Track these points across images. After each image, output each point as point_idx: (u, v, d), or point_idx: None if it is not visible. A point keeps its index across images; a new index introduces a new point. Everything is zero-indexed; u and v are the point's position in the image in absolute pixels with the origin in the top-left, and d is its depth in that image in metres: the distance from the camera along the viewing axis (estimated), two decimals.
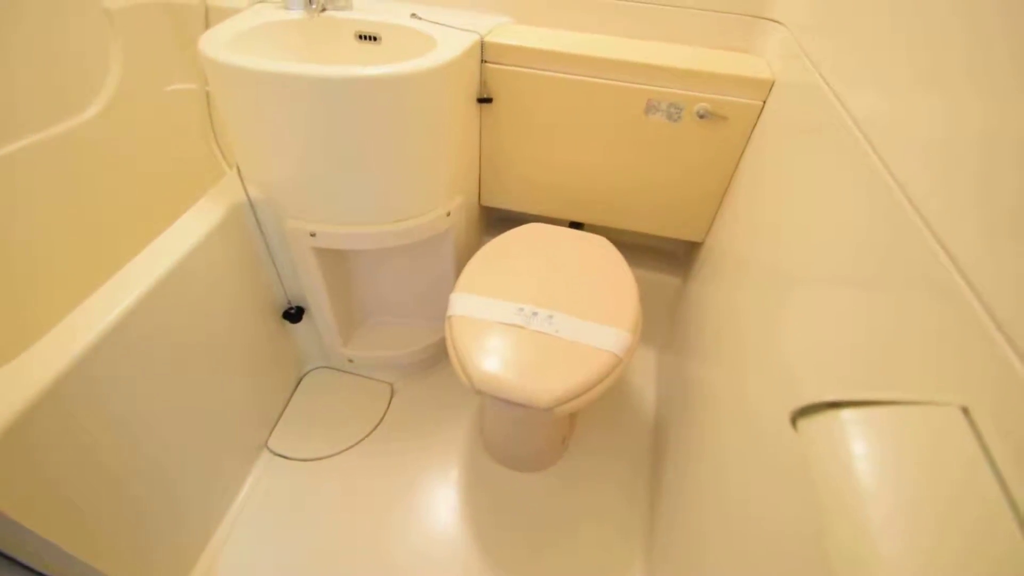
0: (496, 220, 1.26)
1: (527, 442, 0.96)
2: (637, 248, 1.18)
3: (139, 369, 0.67)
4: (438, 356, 1.17)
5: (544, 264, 0.88)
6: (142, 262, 0.70)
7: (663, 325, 1.18)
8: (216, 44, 0.74)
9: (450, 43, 0.84)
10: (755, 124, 0.84)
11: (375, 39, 0.94)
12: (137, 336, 0.66)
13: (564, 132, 0.95)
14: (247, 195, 0.84)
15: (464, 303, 0.79)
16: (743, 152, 0.87)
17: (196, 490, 0.84)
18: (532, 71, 0.89)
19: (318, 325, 1.05)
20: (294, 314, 1.00)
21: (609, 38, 0.93)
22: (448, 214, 0.93)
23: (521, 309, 0.77)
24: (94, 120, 1.03)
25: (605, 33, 0.95)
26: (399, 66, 0.72)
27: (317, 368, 1.14)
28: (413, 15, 0.93)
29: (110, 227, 1.11)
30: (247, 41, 0.82)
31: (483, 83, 0.93)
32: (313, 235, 0.86)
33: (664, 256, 1.19)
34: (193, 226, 0.77)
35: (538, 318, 0.76)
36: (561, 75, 0.88)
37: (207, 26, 1.06)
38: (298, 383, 1.11)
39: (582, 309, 0.79)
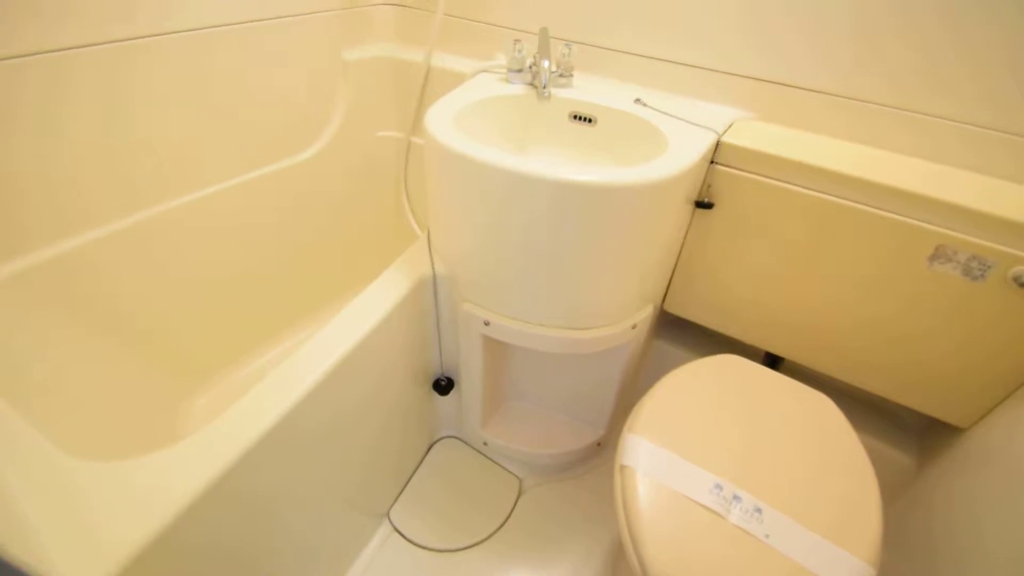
0: (669, 324, 1.11)
1: None
2: (845, 395, 0.94)
3: (303, 446, 0.65)
4: (575, 463, 1.05)
5: (747, 420, 0.71)
6: (329, 339, 0.69)
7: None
8: (440, 121, 0.72)
9: (681, 141, 0.72)
10: None
11: (590, 121, 0.86)
12: (307, 416, 0.64)
13: (797, 257, 0.77)
14: (433, 270, 0.81)
15: (645, 455, 0.65)
16: None
17: (319, 552, 0.82)
18: (772, 181, 0.74)
19: (463, 400, 0.99)
20: (444, 386, 0.95)
21: (885, 153, 0.74)
22: (634, 327, 0.81)
23: (719, 487, 0.61)
24: (312, 159, 1.12)
25: (880, 147, 0.76)
26: (626, 174, 0.62)
27: (449, 437, 1.09)
28: (637, 100, 0.84)
29: (302, 260, 1.20)
30: (468, 117, 0.79)
31: (706, 186, 0.80)
32: (487, 324, 0.80)
33: (884, 417, 0.93)
34: (380, 301, 0.75)
35: (741, 506, 0.60)
36: (812, 192, 0.72)
37: (426, 84, 1.10)
38: (428, 449, 1.07)
39: (800, 505, 0.60)
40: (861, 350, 0.80)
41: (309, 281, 1.25)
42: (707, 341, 1.05)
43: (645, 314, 0.82)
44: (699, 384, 0.76)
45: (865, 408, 0.93)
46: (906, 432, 0.90)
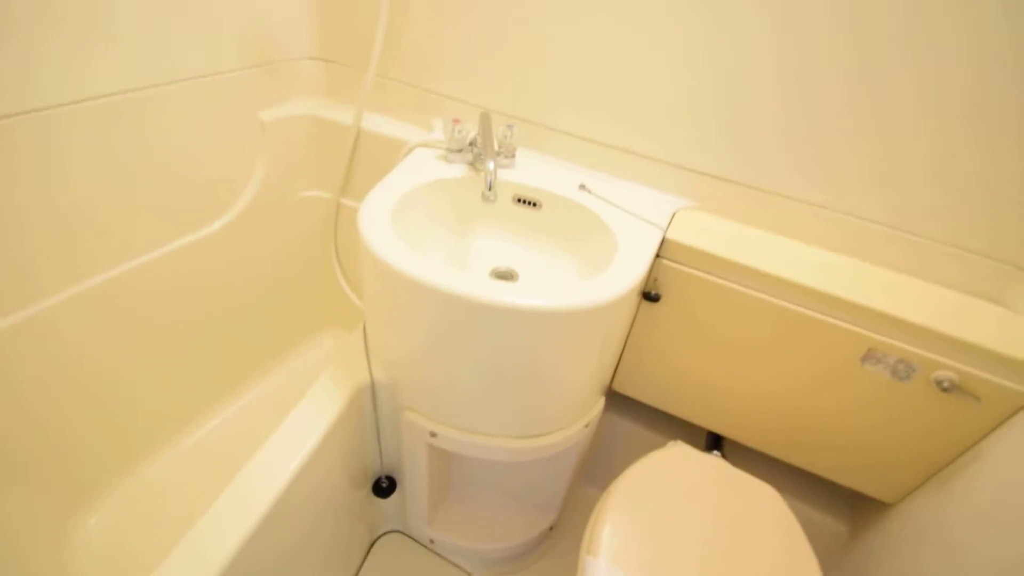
0: (614, 396, 1.10)
1: None
2: (781, 466, 0.98)
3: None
4: (527, 551, 1.00)
5: (700, 527, 0.70)
6: (257, 479, 0.59)
7: None
8: (376, 223, 0.65)
9: (628, 240, 0.71)
10: (1017, 414, 0.64)
11: (535, 204, 0.83)
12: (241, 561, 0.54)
13: (740, 350, 0.79)
14: (371, 376, 0.74)
15: None
16: (993, 432, 0.67)
17: None
18: (716, 280, 0.75)
19: (407, 500, 0.92)
20: (385, 488, 0.87)
21: (824, 253, 0.77)
22: (587, 425, 0.78)
23: None
24: (228, 226, 0.99)
25: (818, 245, 0.79)
26: (575, 295, 0.59)
27: (392, 532, 1.01)
28: (582, 187, 0.82)
29: (225, 330, 1.06)
30: (407, 207, 0.73)
31: (652, 279, 0.79)
32: (434, 435, 0.73)
33: (819, 485, 0.97)
34: (313, 424, 0.66)
35: None
36: (754, 293, 0.73)
37: (356, 146, 1.01)
38: (370, 547, 0.98)
39: None
40: (799, 433, 0.82)
41: (225, 362, 1.11)
42: (653, 413, 1.06)
43: (597, 409, 0.80)
44: (653, 490, 0.74)
45: (799, 476, 0.97)
46: (839, 501, 0.95)
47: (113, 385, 0.89)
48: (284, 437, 0.65)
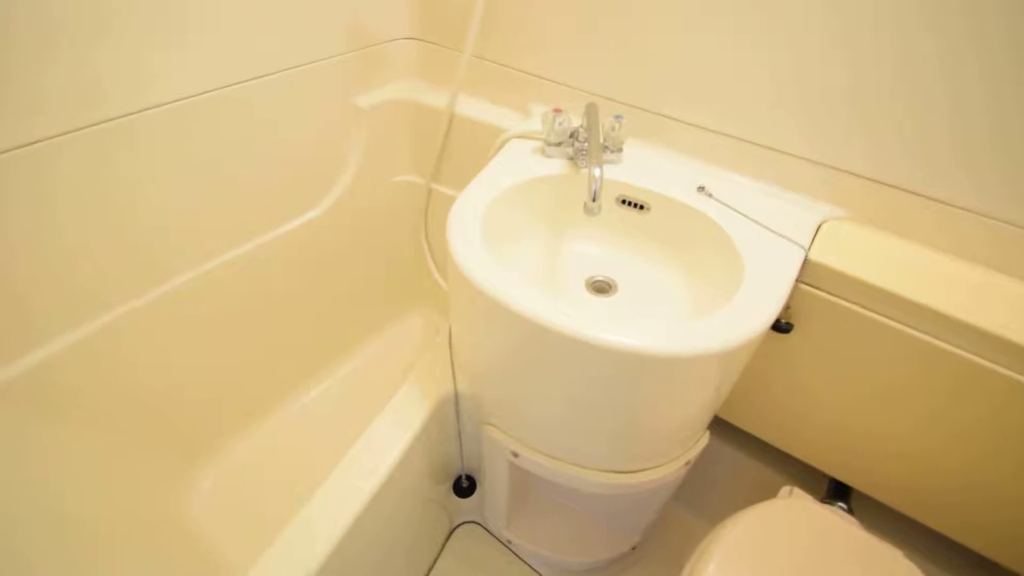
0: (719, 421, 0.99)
1: None
2: (920, 530, 0.81)
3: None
4: (606, 568, 0.96)
5: None
6: (344, 487, 0.61)
7: None
8: (464, 232, 0.59)
9: (760, 264, 0.59)
10: None
11: (642, 207, 0.72)
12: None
13: (885, 395, 0.64)
14: (455, 389, 0.71)
15: None
16: None
17: None
18: (868, 313, 0.60)
19: (486, 500, 0.91)
20: (466, 488, 0.87)
21: (1009, 282, 0.59)
22: (687, 464, 0.70)
23: None
24: (322, 216, 1.01)
25: (1002, 272, 0.60)
26: (691, 339, 0.49)
27: (471, 523, 1.02)
28: (702, 188, 0.70)
29: (324, 307, 1.11)
30: (498, 211, 0.67)
31: (786, 306, 0.66)
32: (515, 455, 0.70)
33: (965, 559, 0.80)
34: (397, 435, 0.66)
35: None
36: (913, 332, 0.58)
37: (448, 131, 0.96)
38: (448, 535, 1.00)
39: None
40: (945, 494, 0.67)
41: (321, 339, 1.16)
42: (762, 444, 0.93)
43: (701, 446, 0.71)
44: (765, 547, 0.64)
45: (942, 544, 0.81)
46: None
47: (222, 361, 0.97)
48: (372, 445, 0.65)
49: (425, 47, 0.97)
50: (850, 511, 0.76)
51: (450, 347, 0.75)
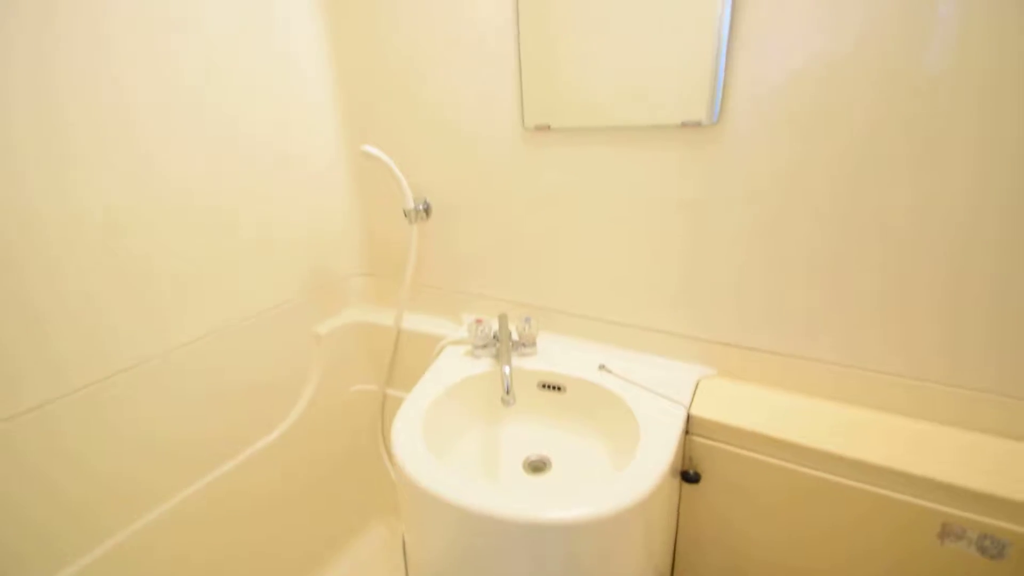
0: None
1: None
2: None
3: None
4: None
5: None
6: None
7: None
8: (407, 437, 0.70)
9: (652, 422, 0.72)
10: None
11: (559, 389, 0.87)
12: None
13: (802, 530, 0.72)
14: None
15: None
16: None
17: None
18: (755, 455, 0.72)
19: None
20: None
21: (861, 412, 0.74)
22: None
23: None
24: (286, 433, 1.08)
25: (855, 404, 0.76)
26: (609, 499, 0.59)
27: None
28: (602, 367, 0.86)
29: (283, 522, 1.09)
30: (438, 411, 0.79)
31: (687, 456, 0.78)
32: None
33: None
34: None
35: None
36: (792, 466, 0.70)
37: (397, 344, 1.13)
38: None
39: None
40: None
41: (283, 561, 1.12)
42: None
43: None
44: None
45: None
46: None
47: None
48: None
49: (373, 279, 1.21)
50: None
51: (404, 552, 0.78)
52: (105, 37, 0.72)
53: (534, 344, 0.92)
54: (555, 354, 0.91)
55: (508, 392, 0.71)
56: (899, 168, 0.63)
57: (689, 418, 0.76)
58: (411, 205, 1.00)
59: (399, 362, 1.16)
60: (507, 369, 0.73)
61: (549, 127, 0.83)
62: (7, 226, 0.66)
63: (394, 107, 1.00)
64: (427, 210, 1.04)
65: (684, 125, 0.72)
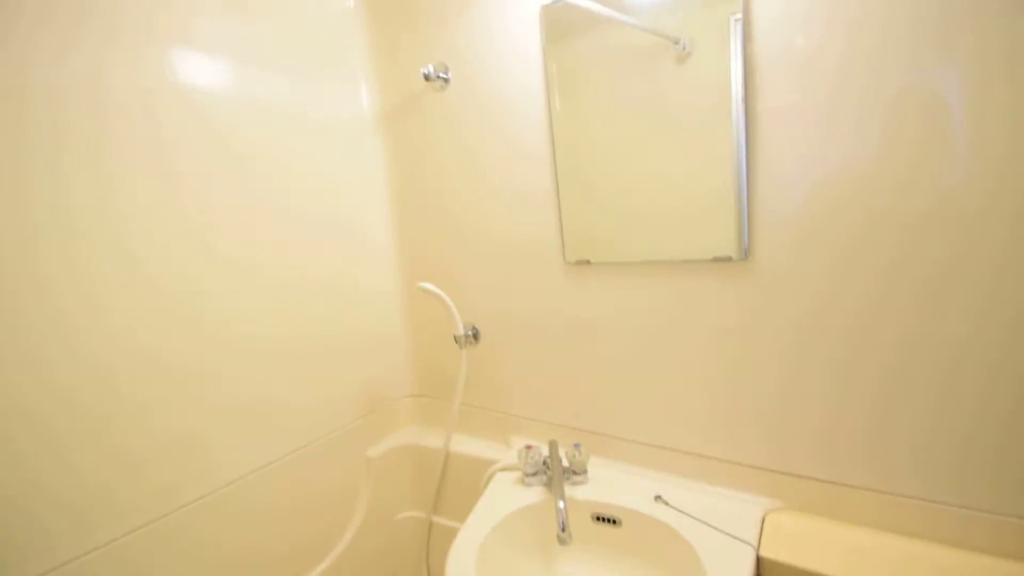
0: None
1: None
2: None
3: None
4: None
5: None
6: None
7: None
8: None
9: (716, 565, 0.66)
10: None
11: (614, 522, 0.83)
12: None
13: None
14: None
15: None
16: None
17: None
18: None
19: None
20: None
21: (938, 550, 0.67)
22: None
23: None
24: (337, 559, 1.06)
25: (930, 540, 0.69)
26: None
27: None
28: (658, 498, 0.82)
29: None
30: (491, 550, 0.77)
31: None
32: None
33: None
34: None
35: None
36: None
37: (445, 468, 1.13)
38: None
39: None
40: None
41: None
42: None
43: None
44: None
45: None
46: None
47: None
48: None
49: (423, 400, 1.25)
50: None
51: None
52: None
53: (585, 471, 0.90)
54: (607, 482, 0.88)
55: (564, 530, 0.69)
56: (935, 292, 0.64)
57: (759, 562, 0.70)
58: (461, 331, 1.06)
59: (447, 486, 1.14)
60: (562, 504, 0.71)
61: (589, 262, 0.91)
62: (116, 370, 0.76)
63: (445, 244, 1.12)
64: (476, 335, 1.10)
65: (716, 260, 0.77)
